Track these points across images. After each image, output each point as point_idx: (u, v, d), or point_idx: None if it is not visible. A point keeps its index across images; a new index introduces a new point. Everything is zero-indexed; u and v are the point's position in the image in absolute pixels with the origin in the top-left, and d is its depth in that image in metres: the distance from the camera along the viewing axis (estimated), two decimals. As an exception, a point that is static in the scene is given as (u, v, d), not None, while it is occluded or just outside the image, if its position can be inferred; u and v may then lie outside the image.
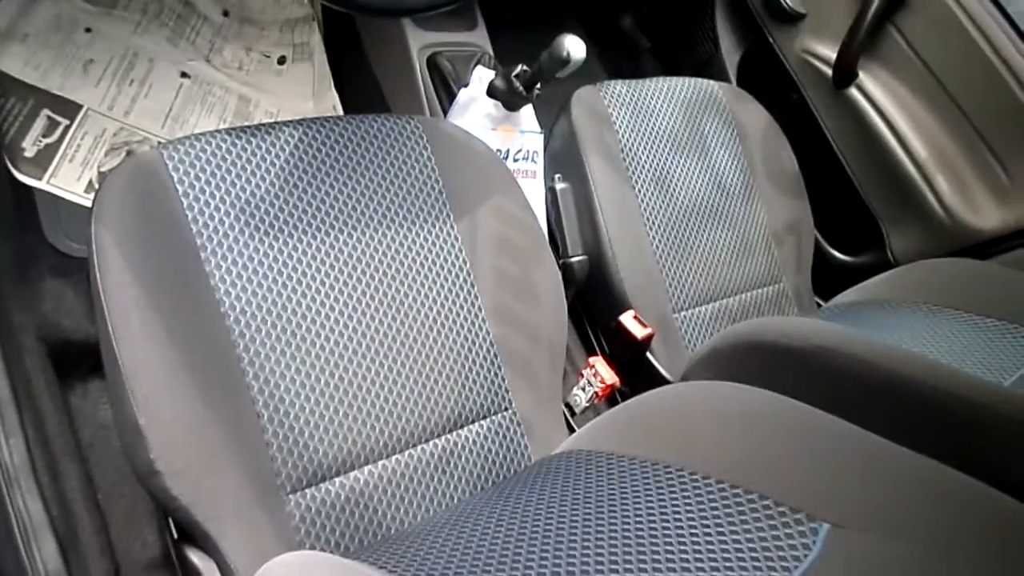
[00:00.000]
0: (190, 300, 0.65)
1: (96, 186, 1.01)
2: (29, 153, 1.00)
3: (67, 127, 1.04)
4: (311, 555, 0.50)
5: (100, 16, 1.15)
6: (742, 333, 0.84)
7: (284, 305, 0.69)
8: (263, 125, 0.76)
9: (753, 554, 0.54)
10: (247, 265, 0.68)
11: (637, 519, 0.59)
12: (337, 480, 0.68)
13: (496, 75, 1.02)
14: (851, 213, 1.32)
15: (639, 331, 1.00)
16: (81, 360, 0.93)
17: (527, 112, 1.05)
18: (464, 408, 0.76)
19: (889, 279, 1.15)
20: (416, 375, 0.74)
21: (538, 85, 0.97)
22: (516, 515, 0.63)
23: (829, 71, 1.28)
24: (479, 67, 1.09)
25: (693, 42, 1.57)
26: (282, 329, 0.68)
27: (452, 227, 0.80)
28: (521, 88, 0.97)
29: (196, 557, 0.63)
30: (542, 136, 1.07)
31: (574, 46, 0.89)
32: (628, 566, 0.54)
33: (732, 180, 1.17)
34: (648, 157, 1.11)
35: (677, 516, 0.58)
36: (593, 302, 1.12)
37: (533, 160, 1.06)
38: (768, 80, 1.41)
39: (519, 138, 1.04)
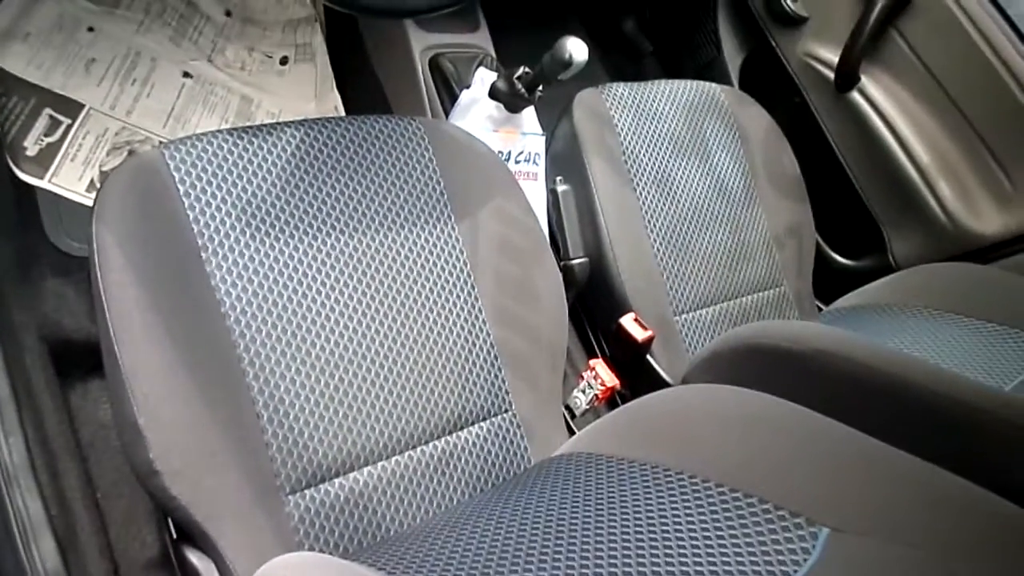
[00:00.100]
0: (191, 300, 0.65)
1: (98, 185, 1.01)
2: (31, 152, 1.00)
3: (69, 126, 1.04)
4: (310, 556, 0.50)
5: (103, 15, 1.16)
6: (743, 336, 0.84)
7: (285, 306, 0.69)
8: (265, 125, 0.76)
9: (753, 558, 0.54)
10: (248, 265, 0.68)
11: (636, 522, 0.59)
12: (337, 481, 0.68)
13: (498, 77, 1.02)
14: (853, 217, 1.32)
15: (639, 333, 1.00)
16: (81, 359, 0.93)
17: (529, 114, 1.05)
18: (464, 410, 0.76)
19: (890, 283, 1.15)
20: (416, 376, 0.74)
21: (540, 87, 0.98)
22: (516, 517, 0.63)
23: (831, 75, 1.28)
24: (481, 69, 1.09)
25: (695, 45, 1.57)
26: (282, 330, 0.68)
27: (453, 228, 0.80)
28: (523, 90, 0.97)
29: (195, 557, 0.63)
30: (544, 138, 1.07)
31: (576, 48, 0.89)
32: (627, 570, 0.54)
33: (734, 183, 1.17)
34: (650, 160, 1.11)
35: (676, 520, 0.58)
36: (594, 304, 1.12)
37: (535, 162, 1.06)
38: (770, 83, 1.40)
39: (521, 140, 1.04)
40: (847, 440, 0.61)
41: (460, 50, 1.15)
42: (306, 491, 0.66)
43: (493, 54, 1.18)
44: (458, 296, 0.79)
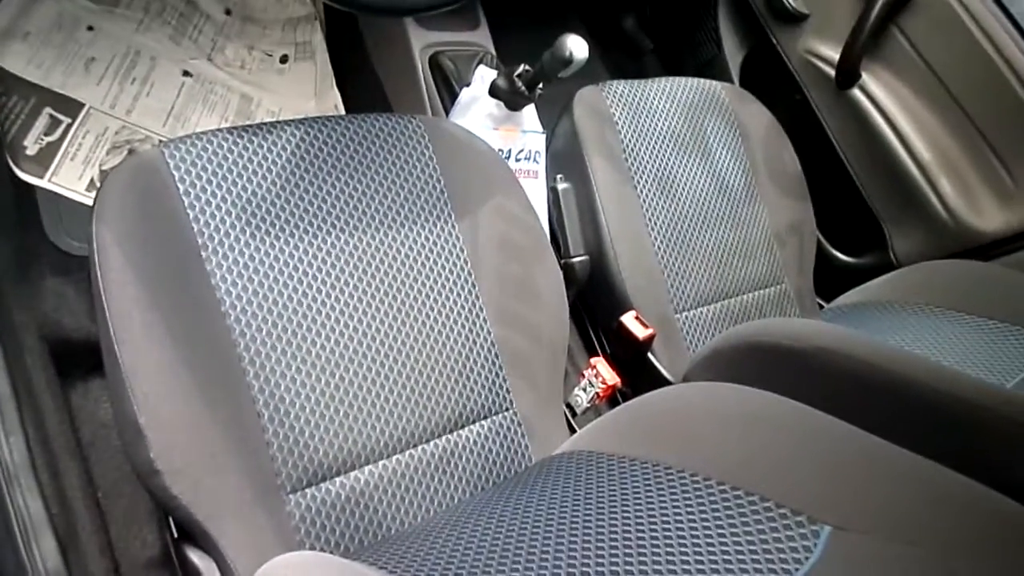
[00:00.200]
0: (191, 299, 0.65)
1: (97, 184, 1.01)
2: (31, 151, 1.00)
3: (69, 125, 1.04)
4: (311, 555, 0.50)
5: (102, 14, 1.15)
6: (744, 334, 0.84)
7: (285, 304, 0.69)
8: (265, 124, 0.75)
9: (754, 556, 0.54)
10: (248, 264, 0.68)
11: (638, 521, 0.59)
12: (337, 480, 0.68)
13: (498, 75, 1.02)
14: (854, 214, 1.32)
15: (640, 331, 1.00)
16: (82, 359, 0.93)
17: (529, 112, 1.05)
18: (465, 408, 0.76)
19: (891, 280, 1.15)
20: (417, 375, 0.74)
21: (540, 85, 0.97)
22: (517, 516, 0.63)
23: (832, 72, 1.28)
24: (481, 66, 1.09)
25: (696, 43, 1.56)
26: (283, 328, 0.68)
27: (453, 227, 0.80)
28: (523, 88, 0.97)
29: (196, 556, 0.63)
30: (544, 136, 1.07)
31: (577, 46, 0.89)
32: (629, 568, 0.54)
33: (734, 181, 1.17)
34: (650, 157, 1.11)
35: (678, 518, 0.58)
36: (595, 302, 1.12)
37: (535, 160, 1.06)
38: (771, 81, 1.40)
39: (521, 138, 1.04)
40: (848, 438, 0.61)
41: (460, 48, 1.15)
42: (307, 490, 0.66)
43: (493, 52, 1.17)
44: (458, 294, 0.78)
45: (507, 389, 0.79)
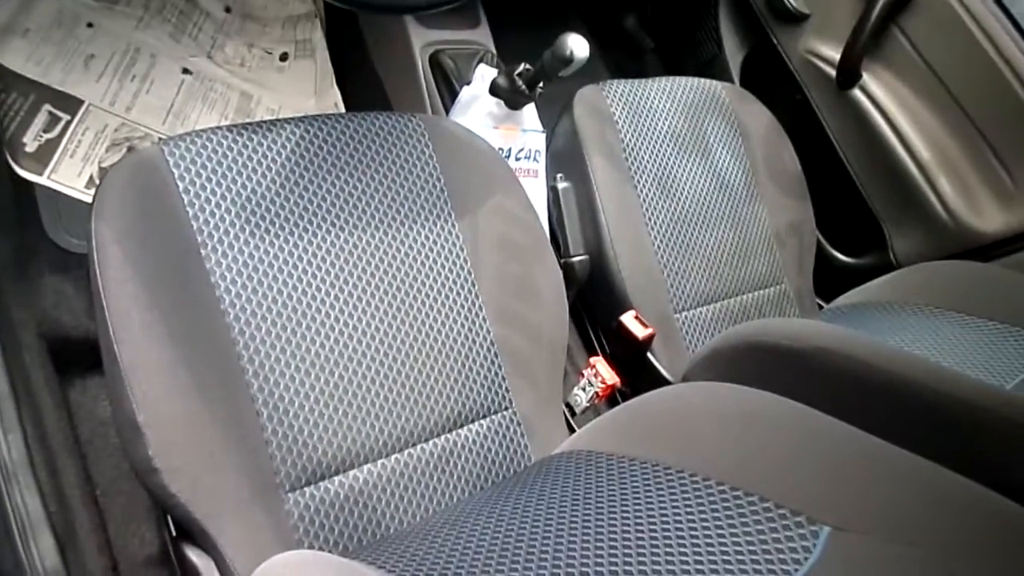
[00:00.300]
0: (190, 297, 0.65)
1: (97, 182, 1.01)
2: (30, 148, 1.00)
3: (68, 122, 1.04)
4: (310, 554, 0.49)
5: (102, 11, 1.15)
6: (743, 334, 0.84)
7: (284, 303, 0.68)
8: (264, 122, 0.75)
9: (753, 557, 0.53)
10: (247, 262, 0.68)
11: (637, 521, 0.59)
12: (336, 479, 0.68)
13: (499, 73, 1.02)
14: (854, 214, 1.32)
15: (640, 331, 1.00)
16: (80, 356, 0.93)
17: (529, 111, 1.05)
18: (464, 407, 0.76)
19: (891, 281, 1.15)
20: (416, 374, 0.74)
21: (541, 84, 0.97)
22: (516, 515, 0.63)
23: (833, 72, 1.28)
24: (482, 65, 1.09)
25: (696, 42, 1.56)
26: (282, 327, 0.68)
27: (453, 226, 0.80)
28: (524, 87, 0.97)
29: (194, 555, 0.63)
30: (544, 135, 1.07)
31: (577, 45, 0.88)
32: (628, 568, 0.54)
33: (734, 180, 1.17)
34: (650, 157, 1.11)
35: (677, 518, 0.58)
36: (594, 302, 1.12)
37: (535, 159, 1.06)
38: (771, 81, 1.40)
39: (521, 137, 1.04)
40: (848, 438, 0.61)
41: (460, 46, 1.15)
42: (306, 489, 0.66)
43: (494, 50, 1.17)
44: (458, 293, 0.78)
45: (506, 388, 0.79)
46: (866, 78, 1.25)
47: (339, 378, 0.69)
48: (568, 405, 1.03)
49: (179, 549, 0.64)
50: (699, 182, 1.14)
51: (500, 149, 0.99)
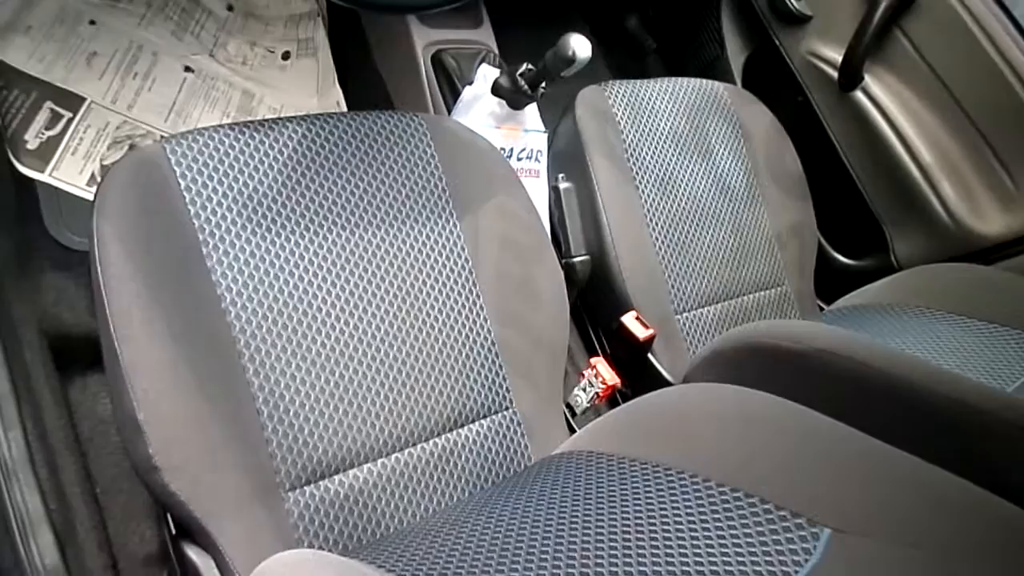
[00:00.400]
0: (191, 295, 0.65)
1: (98, 179, 1.01)
2: (32, 145, 1.00)
3: (70, 120, 1.04)
4: (309, 553, 0.49)
5: (104, 9, 1.15)
6: (744, 335, 0.84)
7: (285, 301, 0.68)
8: (266, 120, 0.75)
9: (754, 559, 0.53)
10: (249, 261, 0.68)
11: (637, 522, 0.59)
12: (336, 478, 0.68)
13: (501, 73, 1.02)
14: (855, 217, 1.32)
15: (641, 332, 1.00)
16: (81, 354, 0.93)
17: (531, 111, 1.05)
18: (464, 407, 0.76)
19: (892, 283, 1.15)
20: (417, 373, 0.74)
21: (543, 84, 0.97)
22: (516, 515, 0.63)
23: (835, 74, 1.28)
24: (484, 65, 1.09)
25: (699, 43, 1.56)
26: (283, 325, 0.68)
27: (455, 225, 0.80)
28: (526, 87, 0.97)
29: (194, 553, 0.63)
30: (546, 135, 1.07)
31: (579, 45, 0.88)
32: (628, 569, 0.54)
33: (736, 182, 1.17)
34: (652, 158, 1.11)
35: (677, 519, 0.58)
36: (595, 302, 1.12)
37: (537, 159, 1.06)
38: (773, 82, 1.40)
39: (523, 137, 1.04)
40: (848, 440, 0.61)
41: (463, 46, 1.15)
42: (306, 488, 0.66)
43: (496, 50, 1.17)
44: (459, 293, 0.78)
45: (507, 388, 0.79)
46: (868, 80, 1.25)
47: (339, 377, 0.69)
48: (568, 405, 1.03)
49: (179, 547, 0.64)
50: (700, 183, 1.14)
51: (502, 149, 0.99)
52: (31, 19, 1.08)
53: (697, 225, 1.11)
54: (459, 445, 0.75)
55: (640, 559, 0.55)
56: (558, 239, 1.08)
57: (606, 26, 1.71)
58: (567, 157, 1.09)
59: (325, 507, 0.66)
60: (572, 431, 0.82)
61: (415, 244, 0.77)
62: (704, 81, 1.22)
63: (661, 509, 0.60)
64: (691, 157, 1.14)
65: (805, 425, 0.64)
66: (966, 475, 0.56)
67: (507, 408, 0.79)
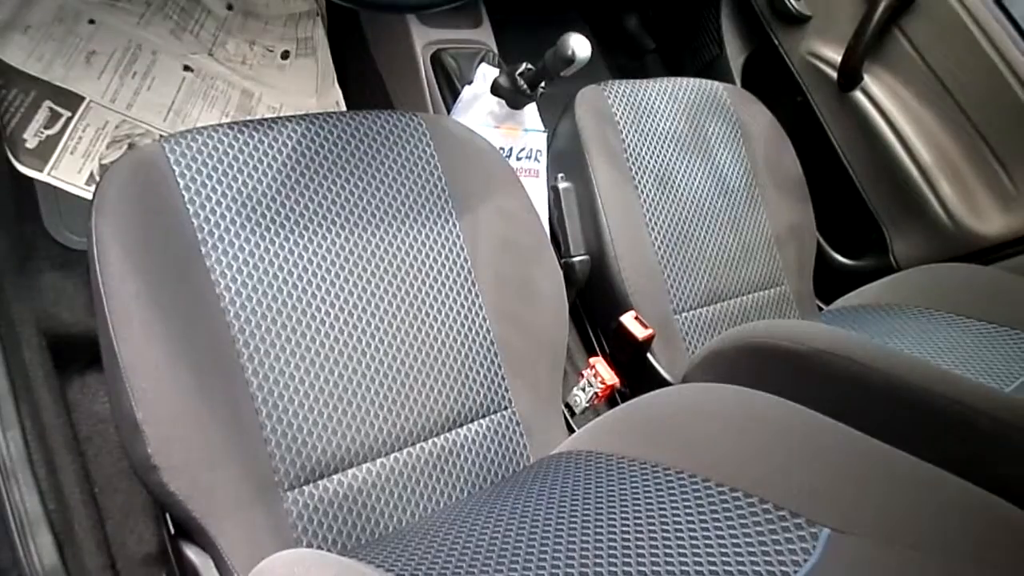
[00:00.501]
0: (190, 294, 0.65)
1: (97, 178, 1.01)
2: (30, 144, 1.00)
3: (69, 119, 1.04)
4: (308, 553, 0.49)
5: (103, 8, 1.15)
6: (743, 335, 0.84)
7: (284, 301, 0.68)
8: (265, 120, 0.75)
9: (753, 558, 0.53)
10: (248, 260, 0.68)
11: (636, 521, 0.59)
12: (335, 477, 0.67)
13: (500, 73, 1.02)
14: (854, 217, 1.32)
15: (640, 332, 1.00)
16: (80, 353, 0.93)
17: (531, 110, 1.05)
18: (463, 407, 0.76)
19: (891, 283, 1.15)
20: (416, 373, 0.74)
21: (542, 84, 0.97)
22: (515, 515, 0.63)
23: (834, 74, 1.28)
24: (483, 65, 1.09)
25: (698, 43, 1.56)
26: (282, 325, 0.68)
27: (454, 225, 0.80)
28: (525, 86, 0.97)
29: (193, 553, 0.63)
30: (545, 135, 1.07)
31: (579, 45, 0.88)
32: (627, 568, 0.54)
33: (735, 182, 1.17)
34: (651, 157, 1.11)
35: (676, 519, 0.58)
36: (594, 302, 1.12)
37: (536, 159, 1.06)
38: (772, 82, 1.40)
39: (522, 136, 1.04)
40: (847, 440, 0.61)
41: (462, 46, 1.15)
42: (305, 487, 0.66)
43: (495, 50, 1.17)
44: (458, 293, 0.78)
45: (506, 388, 0.79)
46: (867, 80, 1.25)
47: (338, 377, 0.69)
48: (567, 405, 1.03)
49: (177, 547, 0.64)
50: (700, 183, 1.14)
51: (501, 148, 0.99)
52: (30, 18, 1.08)
53: (696, 225, 1.11)
54: (458, 445, 0.75)
55: (639, 559, 0.55)
56: (557, 239, 1.08)
57: (606, 26, 1.71)
58: (566, 157, 1.09)
59: (324, 506, 0.66)
60: (571, 431, 0.82)
61: (414, 244, 0.77)
62: (704, 81, 1.22)
63: (660, 509, 0.60)
64: (690, 157, 1.14)
65: (804, 425, 0.64)
66: (964, 475, 0.56)
67: (506, 408, 0.79)
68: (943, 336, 0.97)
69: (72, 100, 1.05)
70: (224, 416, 0.63)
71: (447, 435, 0.75)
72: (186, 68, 1.18)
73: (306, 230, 0.72)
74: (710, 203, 1.14)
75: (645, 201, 1.08)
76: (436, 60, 1.12)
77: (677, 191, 1.11)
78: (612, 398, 1.09)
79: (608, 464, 0.67)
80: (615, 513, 0.60)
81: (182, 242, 0.66)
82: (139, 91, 1.11)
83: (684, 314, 1.08)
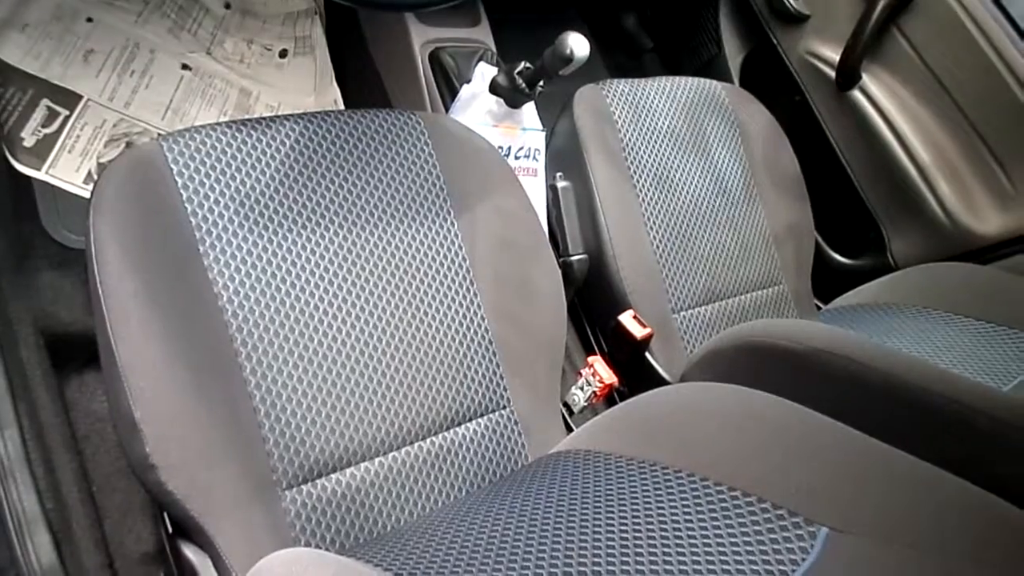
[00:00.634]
0: (188, 293, 0.65)
1: (95, 177, 1.01)
2: (28, 143, 1.00)
3: (67, 117, 1.04)
4: (306, 552, 0.49)
5: (101, 6, 1.15)
6: (741, 334, 0.84)
7: (283, 300, 0.68)
8: (263, 118, 0.75)
9: (751, 557, 0.53)
10: (246, 259, 0.68)
11: (635, 520, 0.59)
12: (333, 476, 0.67)
13: (499, 72, 1.02)
14: (852, 216, 1.32)
15: (638, 331, 1.00)
16: (78, 352, 0.93)
17: (529, 109, 1.05)
18: (462, 406, 0.76)
19: (889, 282, 1.15)
20: (414, 372, 0.74)
21: (541, 82, 0.97)
22: (513, 514, 0.63)
23: (832, 73, 1.28)
24: (482, 63, 1.09)
25: (696, 42, 1.56)
26: (280, 324, 0.68)
27: (452, 224, 0.80)
28: (524, 85, 0.97)
29: (191, 552, 0.62)
30: (544, 134, 1.07)
31: (577, 44, 0.88)
32: (625, 568, 0.54)
33: (733, 181, 1.17)
34: (650, 156, 1.11)
35: (675, 518, 0.58)
36: (593, 301, 1.12)
37: (534, 158, 1.06)
38: (771, 81, 1.40)
39: (521, 135, 1.04)
40: (845, 439, 0.61)
41: (461, 44, 1.15)
42: (303, 486, 0.66)
43: (494, 49, 1.17)
44: (457, 292, 0.78)
45: (504, 387, 0.79)
46: (866, 79, 1.25)
47: (336, 376, 0.69)
48: (566, 404, 1.03)
49: (175, 546, 0.64)
50: (698, 182, 1.14)
51: (499, 147, 0.99)
52: (28, 16, 1.08)
53: (695, 224, 1.11)
54: (456, 444, 0.75)
55: (637, 558, 0.55)
56: (556, 238, 1.08)
57: (604, 25, 1.71)
58: (565, 156, 1.09)
59: (322, 505, 0.66)
60: (569, 430, 0.82)
61: (412, 242, 0.77)
62: (702, 80, 1.22)
63: (658, 508, 0.60)
64: (689, 156, 1.14)
65: (802, 424, 0.64)
66: (963, 474, 0.56)
67: (504, 407, 0.79)
68: (941, 335, 0.97)
69: (70, 98, 1.05)
70: (222, 415, 0.63)
71: (445, 434, 0.75)
72: (184, 67, 1.17)
73: (304, 229, 0.72)
74: (708, 202, 1.14)
75: (643, 200, 1.08)
76: (434, 59, 1.12)
77: (675, 190, 1.11)
78: (610, 397, 1.09)
79: (606, 463, 0.67)
80: (613, 512, 0.60)
81: (180, 241, 0.66)
82: (137, 89, 1.11)
83: (682, 313, 1.08)
